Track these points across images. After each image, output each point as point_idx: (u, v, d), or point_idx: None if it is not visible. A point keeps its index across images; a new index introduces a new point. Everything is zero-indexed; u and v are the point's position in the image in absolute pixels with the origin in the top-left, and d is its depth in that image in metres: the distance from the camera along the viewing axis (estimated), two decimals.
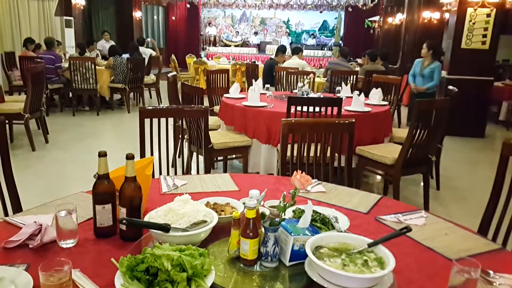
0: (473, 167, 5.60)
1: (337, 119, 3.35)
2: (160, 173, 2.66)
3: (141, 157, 2.55)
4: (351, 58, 10.14)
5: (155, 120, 2.72)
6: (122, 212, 1.44)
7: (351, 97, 4.46)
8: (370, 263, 1.20)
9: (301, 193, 1.96)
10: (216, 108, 5.31)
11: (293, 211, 1.55)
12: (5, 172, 2.07)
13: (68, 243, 1.40)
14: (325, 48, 19.05)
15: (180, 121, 3.87)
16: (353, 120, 2.51)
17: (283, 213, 1.33)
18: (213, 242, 1.41)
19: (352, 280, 1.13)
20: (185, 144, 4.09)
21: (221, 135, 4.27)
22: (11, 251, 1.35)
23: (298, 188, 1.34)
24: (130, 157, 1.44)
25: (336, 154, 2.69)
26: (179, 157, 4.64)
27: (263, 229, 1.33)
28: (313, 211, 1.42)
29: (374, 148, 3.97)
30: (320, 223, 1.47)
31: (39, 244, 1.38)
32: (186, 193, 1.51)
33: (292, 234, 1.29)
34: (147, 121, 2.65)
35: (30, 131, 5.12)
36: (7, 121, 5.13)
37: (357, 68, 8.10)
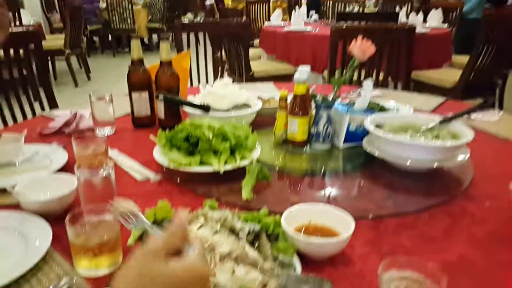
0: None
1: (395, 24, 3.01)
2: None
3: None
4: None
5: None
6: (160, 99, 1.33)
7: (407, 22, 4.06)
8: (441, 137, 1.02)
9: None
10: (256, 42, 5.07)
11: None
12: (50, 105, 2.01)
13: (105, 131, 1.32)
14: None
15: (219, 53, 3.70)
16: (414, 26, 2.23)
17: (338, 90, 1.16)
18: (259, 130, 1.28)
19: (422, 150, 0.97)
20: (225, 75, 3.95)
21: (262, 64, 4.08)
22: (47, 138, 1.29)
23: (357, 58, 1.16)
24: (165, 38, 1.31)
25: (391, 80, 2.43)
26: None
27: (313, 111, 1.18)
28: (371, 102, 1.24)
29: (431, 72, 3.63)
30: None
31: (75, 129, 1.31)
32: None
33: (347, 112, 1.13)
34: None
35: (72, 67, 5.15)
36: (49, 58, 5.22)
37: None
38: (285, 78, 4.00)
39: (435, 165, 0.98)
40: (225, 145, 0.97)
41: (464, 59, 4.11)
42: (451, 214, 0.86)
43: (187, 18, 8.94)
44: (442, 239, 0.78)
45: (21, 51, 1.88)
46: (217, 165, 0.95)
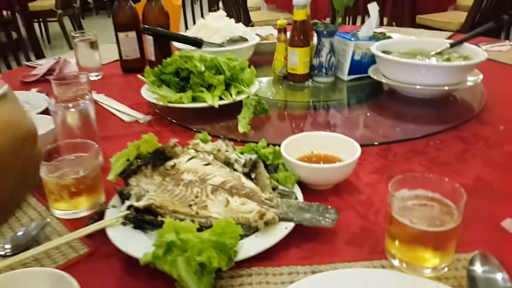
0: None
1: None
2: None
3: None
4: None
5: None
6: (148, 39, 1.23)
7: None
8: (453, 60, 0.93)
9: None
10: None
11: None
12: None
13: (91, 76, 1.24)
14: None
15: (216, 6, 3.53)
16: None
17: (342, 14, 1.06)
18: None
19: (433, 72, 0.88)
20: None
21: (262, 14, 3.91)
22: (30, 85, 1.21)
23: None
24: None
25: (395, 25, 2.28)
26: None
27: (315, 41, 1.08)
28: (375, 32, 1.13)
29: (436, 15, 3.46)
30: None
31: (58, 74, 1.22)
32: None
33: (352, 39, 1.04)
34: None
35: (65, 28, 4.98)
36: (41, 20, 5.04)
37: None
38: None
39: (446, 88, 0.89)
40: (219, 78, 0.89)
41: (469, 0, 3.91)
42: (464, 138, 0.79)
43: None
44: (456, 163, 0.71)
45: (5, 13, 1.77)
46: (211, 100, 0.87)
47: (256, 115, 0.86)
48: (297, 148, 0.68)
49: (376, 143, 0.77)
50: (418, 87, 0.90)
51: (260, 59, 1.23)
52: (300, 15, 1.02)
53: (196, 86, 0.90)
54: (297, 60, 1.04)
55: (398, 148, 0.76)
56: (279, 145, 0.66)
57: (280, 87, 1.09)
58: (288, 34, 1.07)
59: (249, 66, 0.98)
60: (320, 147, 0.69)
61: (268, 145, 0.70)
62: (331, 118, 0.93)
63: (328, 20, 2.72)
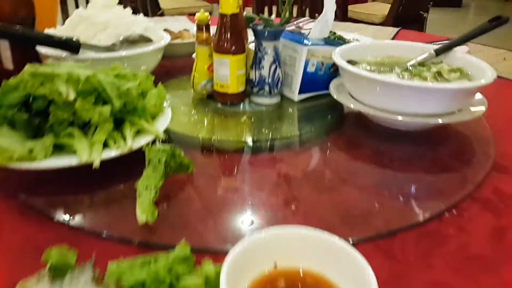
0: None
1: None
2: None
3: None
4: None
5: None
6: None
7: None
8: (446, 75, 0.67)
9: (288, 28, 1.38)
10: None
11: None
12: None
13: None
14: None
15: None
16: None
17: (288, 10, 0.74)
18: (166, 81, 0.84)
19: (425, 93, 0.60)
20: None
21: (172, 1, 3.48)
22: None
23: None
24: None
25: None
26: None
27: (251, 45, 0.76)
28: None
29: (357, 7, 3.35)
30: None
31: None
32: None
33: (304, 43, 0.73)
34: None
35: None
36: None
37: None
38: None
39: (440, 122, 0.62)
40: (102, 112, 0.52)
41: None
42: (490, 204, 0.52)
43: None
44: (492, 254, 0.45)
45: None
46: (87, 153, 0.51)
47: (172, 176, 0.51)
48: (250, 262, 0.35)
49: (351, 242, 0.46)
50: (400, 118, 0.62)
51: (172, 66, 0.88)
52: (229, 5, 0.68)
53: (60, 127, 0.52)
54: (228, 72, 0.71)
55: (403, 237, 0.47)
56: (215, 251, 0.34)
57: (206, 110, 0.74)
58: (213, 32, 0.73)
59: (155, 84, 0.63)
60: (288, 253, 0.37)
61: (193, 253, 0.36)
62: (282, 177, 0.61)
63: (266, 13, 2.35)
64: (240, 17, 0.71)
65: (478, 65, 0.67)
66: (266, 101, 0.75)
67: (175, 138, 0.65)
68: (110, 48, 0.74)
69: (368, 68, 0.70)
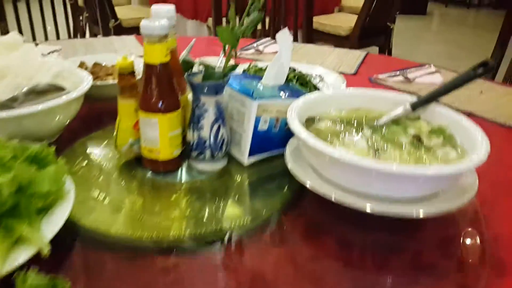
0: (425, 45, 5.15)
1: None
2: None
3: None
4: None
5: None
6: None
7: None
8: (426, 140, 0.55)
9: (250, 54, 1.25)
10: None
11: (245, 69, 0.85)
12: None
13: None
14: None
15: None
16: None
17: (233, 53, 0.60)
18: (80, 139, 0.68)
19: (407, 180, 0.47)
20: (87, 27, 3.09)
21: (131, 10, 3.30)
22: None
23: None
24: None
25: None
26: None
27: (189, 95, 0.62)
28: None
29: (323, 18, 3.28)
30: (298, 85, 0.77)
31: None
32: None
33: (254, 97, 0.59)
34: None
35: None
36: None
37: None
38: None
39: (420, 213, 0.49)
40: None
41: (352, 2, 3.84)
42: None
43: None
44: None
45: None
46: None
47: None
48: None
49: None
50: (368, 208, 0.48)
51: (101, 111, 0.73)
52: (155, 54, 0.53)
53: None
54: (157, 134, 0.56)
55: None
56: None
57: (131, 182, 0.59)
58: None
59: (58, 151, 0.47)
60: None
61: None
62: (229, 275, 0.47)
63: (210, 21, 2.22)
64: (172, 64, 0.56)
65: (463, 125, 0.55)
66: (208, 167, 0.60)
67: (82, 235, 0.49)
68: (7, 103, 0.57)
69: (332, 128, 0.57)
